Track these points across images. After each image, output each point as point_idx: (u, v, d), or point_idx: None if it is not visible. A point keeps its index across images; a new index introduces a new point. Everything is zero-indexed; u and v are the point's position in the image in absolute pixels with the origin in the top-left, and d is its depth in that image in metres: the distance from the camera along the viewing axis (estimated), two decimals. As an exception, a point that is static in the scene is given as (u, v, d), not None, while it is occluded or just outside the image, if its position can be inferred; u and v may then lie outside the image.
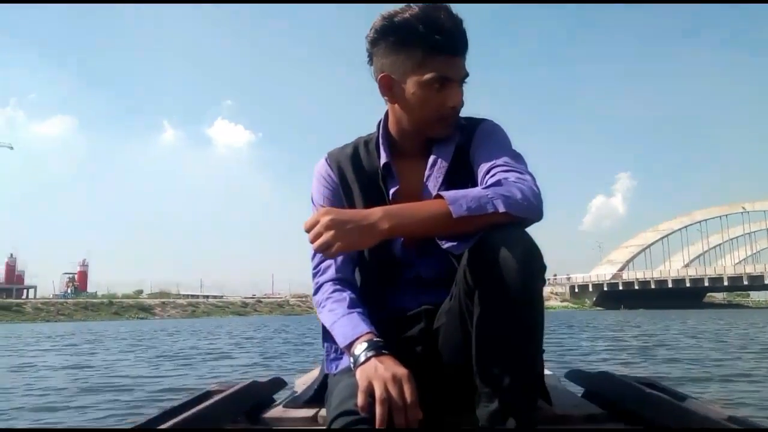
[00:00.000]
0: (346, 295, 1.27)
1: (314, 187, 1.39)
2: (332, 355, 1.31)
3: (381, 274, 1.31)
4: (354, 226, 1.03)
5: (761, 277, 75.78)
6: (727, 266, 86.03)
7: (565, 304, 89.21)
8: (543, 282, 1.09)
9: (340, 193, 1.36)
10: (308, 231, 1.07)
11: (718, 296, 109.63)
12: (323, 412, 1.32)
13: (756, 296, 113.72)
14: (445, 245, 1.17)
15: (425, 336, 1.28)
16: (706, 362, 6.71)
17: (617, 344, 10.01)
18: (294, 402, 1.47)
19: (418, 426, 1.02)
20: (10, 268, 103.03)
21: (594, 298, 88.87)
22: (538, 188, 1.14)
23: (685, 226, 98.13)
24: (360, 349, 1.12)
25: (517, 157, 1.24)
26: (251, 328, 24.34)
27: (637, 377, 1.60)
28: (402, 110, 1.29)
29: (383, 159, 1.33)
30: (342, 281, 1.31)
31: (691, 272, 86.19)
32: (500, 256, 1.02)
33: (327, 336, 1.29)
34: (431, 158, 1.32)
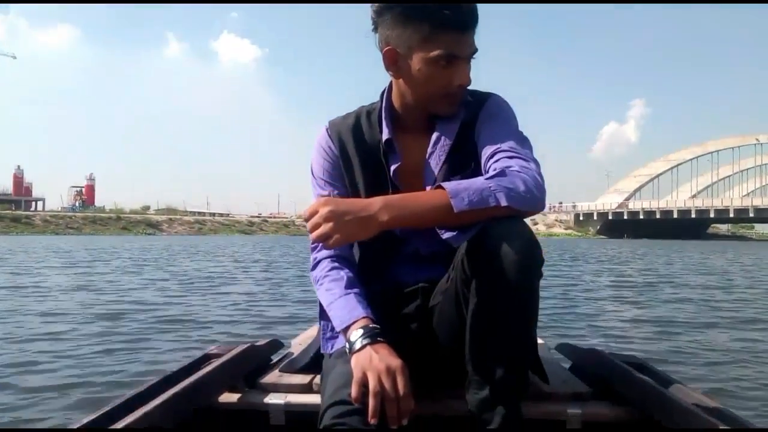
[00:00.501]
0: (344, 273, 1.26)
1: (314, 158, 1.36)
2: (328, 334, 1.31)
3: (379, 248, 1.28)
4: (353, 218, 1.03)
5: (767, 210, 75.69)
6: (734, 198, 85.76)
7: (568, 231, 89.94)
8: (540, 275, 1.09)
9: (340, 167, 1.34)
10: (307, 220, 1.07)
11: (722, 228, 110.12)
12: (318, 379, 1.37)
13: (760, 228, 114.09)
14: (444, 235, 1.15)
15: (421, 313, 1.30)
16: (712, 303, 6.64)
17: (621, 280, 9.77)
18: (290, 366, 1.50)
19: (410, 417, 1.05)
20: (18, 180, 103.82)
21: (598, 227, 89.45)
22: (541, 177, 1.12)
23: (696, 157, 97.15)
24: (356, 335, 1.12)
25: (523, 142, 1.22)
26: (257, 248, 24.62)
27: (627, 356, 1.62)
28: (406, 85, 1.25)
29: (385, 134, 1.30)
30: (340, 258, 1.30)
31: (698, 203, 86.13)
32: (500, 249, 1.03)
33: (323, 314, 1.28)
34: (434, 135, 1.30)
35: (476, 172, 1.24)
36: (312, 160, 1.37)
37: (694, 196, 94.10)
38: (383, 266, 1.37)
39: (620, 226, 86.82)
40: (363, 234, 1.05)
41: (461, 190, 1.06)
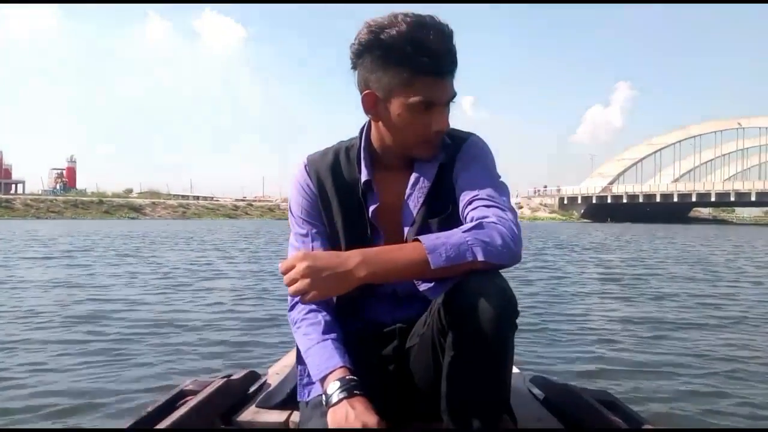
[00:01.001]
0: (321, 317, 1.27)
1: (292, 195, 1.38)
2: (305, 380, 1.31)
3: (356, 288, 1.24)
4: (330, 274, 1.04)
5: (748, 194, 76.68)
6: (716, 182, 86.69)
7: (552, 215, 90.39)
8: (515, 327, 1.11)
9: (318, 205, 1.35)
10: (284, 273, 1.08)
11: (704, 211, 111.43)
12: (295, 416, 1.40)
13: (740, 212, 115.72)
14: (421, 287, 1.16)
15: (398, 354, 1.33)
16: (701, 298, 6.65)
17: (608, 272, 9.67)
18: (267, 401, 1.51)
19: None
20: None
21: (582, 211, 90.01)
22: (518, 228, 1.14)
23: (679, 141, 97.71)
24: (332, 388, 1.13)
25: (500, 189, 1.24)
26: (242, 234, 24.43)
27: (599, 392, 1.66)
28: (386, 129, 1.26)
29: (364, 175, 1.31)
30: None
31: (680, 187, 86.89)
32: (476, 305, 1.04)
33: (301, 359, 1.30)
34: (413, 176, 1.31)
35: (454, 215, 1.26)
36: (290, 197, 1.39)
37: (676, 180, 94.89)
38: (360, 306, 1.38)
39: (604, 210, 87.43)
40: (340, 290, 1.06)
41: (439, 245, 1.06)
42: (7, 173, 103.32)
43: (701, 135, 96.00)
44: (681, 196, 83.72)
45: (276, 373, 1.79)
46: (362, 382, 1.15)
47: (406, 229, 1.31)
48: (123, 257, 11.58)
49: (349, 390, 1.12)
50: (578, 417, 1.47)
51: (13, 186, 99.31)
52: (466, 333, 1.08)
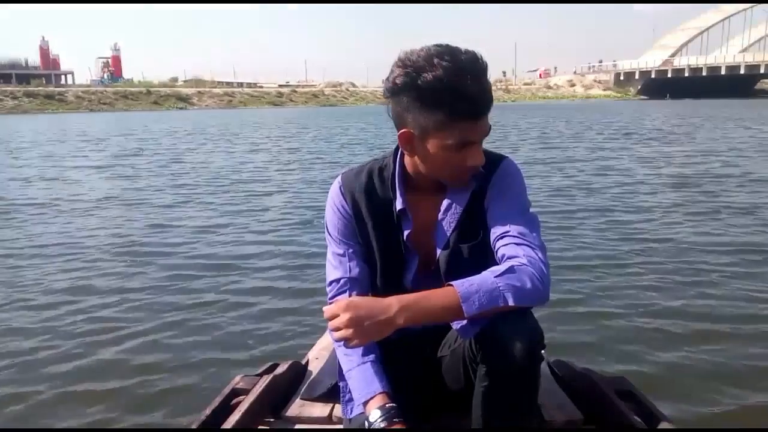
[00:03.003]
0: None
1: (328, 215, 1.43)
2: (347, 396, 1.39)
3: None
4: (371, 323, 1.12)
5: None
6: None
7: (607, 93, 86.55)
8: (542, 359, 1.25)
9: (354, 227, 1.40)
10: (328, 320, 1.15)
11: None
12: (337, 409, 1.53)
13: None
14: (456, 326, 1.25)
15: (431, 361, 1.44)
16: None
17: (679, 176, 8.16)
18: (310, 392, 1.65)
19: None
20: (45, 52, 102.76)
21: (639, 87, 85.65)
22: (546, 267, 1.20)
23: (752, 6, 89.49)
24: (374, 416, 1.24)
25: (531, 223, 1.28)
26: (291, 129, 24.27)
27: (618, 380, 1.71)
28: (421, 162, 1.29)
29: (399, 204, 1.35)
30: None
31: (749, 58, 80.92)
32: (507, 346, 1.14)
33: (342, 375, 1.39)
34: (446, 201, 1.35)
35: (484, 241, 1.32)
36: (326, 217, 1.44)
37: (744, 50, 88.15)
38: None
39: (663, 85, 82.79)
40: (381, 336, 1.14)
41: (472, 293, 1.13)
42: (56, 63, 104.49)
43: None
44: (749, 67, 78.28)
45: (315, 358, 1.92)
46: (401, 405, 1.27)
47: (438, 252, 1.37)
48: (174, 163, 11.74)
49: (389, 419, 1.23)
50: (596, 407, 1.57)
51: (63, 77, 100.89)
52: (498, 369, 1.18)
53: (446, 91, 1.15)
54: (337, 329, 1.13)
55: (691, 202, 6.35)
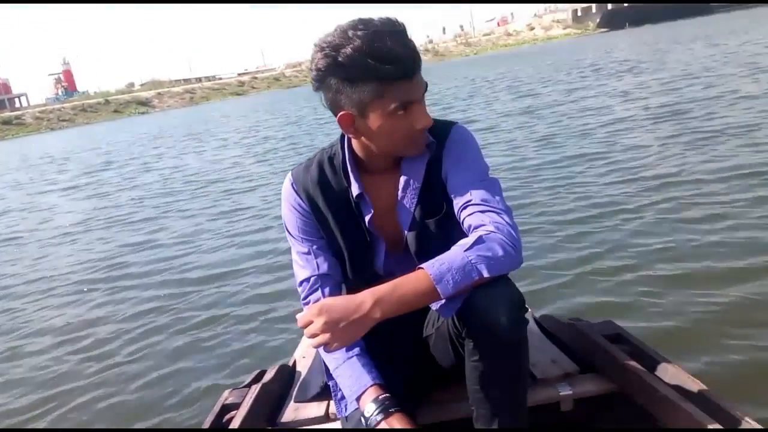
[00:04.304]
0: None
1: (285, 215, 1.39)
2: (339, 395, 1.37)
3: (365, 288, 1.26)
4: (347, 324, 1.09)
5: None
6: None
7: (567, 31, 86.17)
8: (527, 323, 1.21)
9: (314, 222, 1.37)
10: (303, 328, 1.13)
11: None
12: (332, 407, 1.50)
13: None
14: (434, 306, 1.21)
15: (417, 340, 1.43)
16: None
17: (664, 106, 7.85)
18: (303, 394, 1.62)
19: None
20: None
21: (597, 20, 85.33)
22: (516, 231, 1.17)
23: None
24: (369, 410, 1.21)
25: (491, 187, 1.26)
26: (255, 115, 23.84)
27: (605, 325, 1.70)
28: (369, 140, 1.25)
29: (355, 189, 1.31)
30: None
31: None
32: (489, 319, 1.12)
33: (329, 374, 1.36)
34: (402, 178, 1.32)
35: (449, 213, 1.29)
36: (284, 217, 1.40)
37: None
38: None
39: (620, 15, 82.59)
40: (359, 334, 1.11)
41: (444, 272, 1.10)
42: (6, 88, 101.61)
43: None
44: (702, -17, 77.99)
45: (303, 357, 1.88)
46: (397, 396, 1.24)
47: (405, 233, 1.33)
48: (150, 186, 11.27)
49: (385, 409, 1.19)
50: (590, 356, 1.58)
51: (17, 100, 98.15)
52: (484, 342, 1.17)
53: (369, 58, 1.11)
54: (314, 335, 1.11)
55: (687, 131, 6.03)
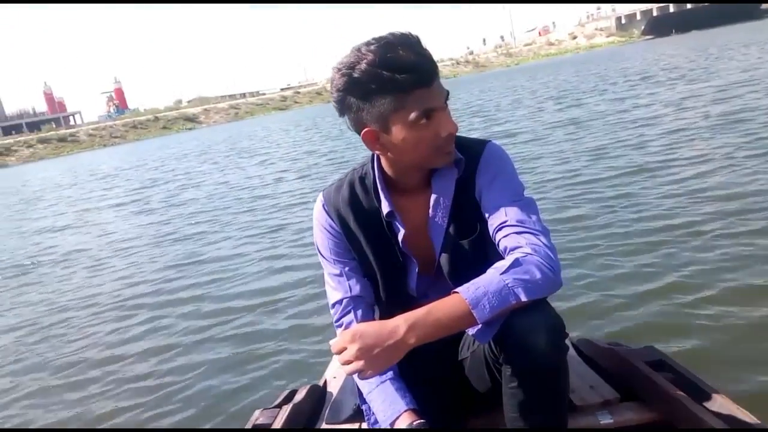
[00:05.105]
0: None
1: (317, 237, 1.39)
2: (372, 418, 1.35)
3: (398, 312, 1.22)
4: (381, 350, 1.07)
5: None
6: (794, -36, 77.15)
7: (611, 39, 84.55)
8: (567, 349, 1.18)
9: (346, 243, 1.36)
10: (337, 354, 1.11)
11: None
12: (366, 425, 1.46)
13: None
14: (471, 332, 1.15)
15: (452, 364, 1.39)
16: None
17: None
18: (335, 416, 1.59)
19: None
20: (50, 97, 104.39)
21: (642, 28, 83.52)
22: (553, 252, 1.14)
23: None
24: None
25: (527, 207, 1.23)
26: (300, 133, 24.06)
27: (647, 351, 1.62)
28: (397, 155, 1.24)
29: (386, 207, 1.30)
30: None
31: (752, -23, 78.14)
32: (528, 344, 1.10)
33: (363, 398, 1.36)
34: (433, 197, 1.31)
35: (483, 234, 1.27)
36: (315, 238, 1.39)
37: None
38: None
39: (666, 22, 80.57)
40: (394, 361, 1.09)
41: (480, 296, 1.07)
42: (62, 106, 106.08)
43: None
44: (754, -13, 75.50)
45: (333, 377, 1.85)
46: (430, 420, 1.23)
47: (438, 254, 1.31)
48: (196, 202, 11.24)
49: None
50: (628, 379, 1.52)
51: (71, 118, 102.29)
52: (523, 369, 1.14)
53: (383, 69, 1.12)
54: (348, 362, 1.09)
55: (753, 141, 5.57)
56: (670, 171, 5.16)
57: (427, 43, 1.19)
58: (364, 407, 1.39)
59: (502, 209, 1.23)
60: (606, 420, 1.41)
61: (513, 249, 1.16)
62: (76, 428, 2.47)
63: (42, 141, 66.26)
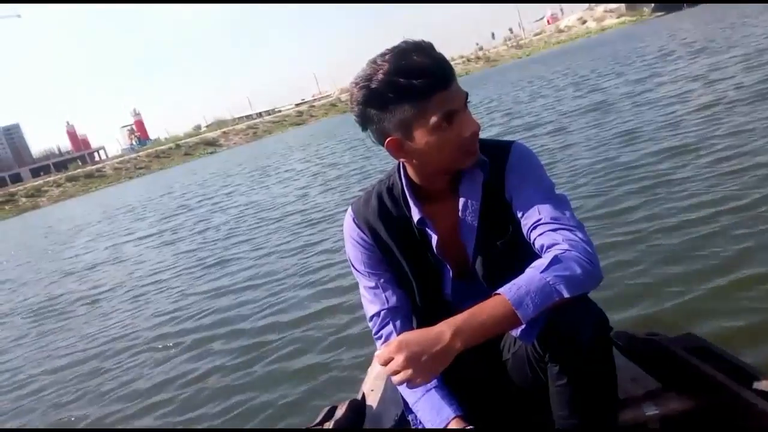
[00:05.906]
0: None
1: (350, 251, 1.39)
2: (420, 427, 1.34)
3: (438, 320, 1.19)
4: (428, 357, 1.05)
5: None
6: None
7: (621, 20, 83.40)
8: (612, 343, 1.21)
9: (379, 255, 1.36)
10: (383, 365, 1.09)
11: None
12: None
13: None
14: (515, 333, 1.16)
15: (495, 364, 1.38)
16: None
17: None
18: (378, 428, 1.60)
19: None
20: (73, 135, 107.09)
21: (652, 5, 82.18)
22: (591, 246, 1.14)
23: None
24: None
25: (560, 204, 1.23)
26: (316, 147, 24.13)
27: (687, 338, 1.58)
28: (422, 161, 1.24)
29: (416, 215, 1.31)
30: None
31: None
32: (573, 341, 1.10)
33: (408, 407, 1.35)
34: (461, 201, 1.30)
35: (516, 235, 1.26)
36: (348, 252, 1.40)
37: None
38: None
39: (677, -4, 79.10)
40: (442, 367, 1.07)
41: (523, 296, 1.06)
42: (86, 143, 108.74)
43: None
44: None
45: (371, 390, 1.85)
46: (478, 425, 1.23)
47: (472, 258, 1.31)
48: (223, 226, 11.32)
49: None
50: (672, 372, 1.49)
51: (96, 154, 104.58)
52: (569, 366, 1.13)
53: (399, 77, 1.13)
54: (396, 372, 1.07)
55: None
56: (713, 148, 4.88)
57: (438, 45, 1.19)
58: (410, 417, 1.39)
59: (535, 207, 1.23)
60: (651, 411, 1.40)
61: (550, 246, 1.16)
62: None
63: (70, 179, 67.98)
